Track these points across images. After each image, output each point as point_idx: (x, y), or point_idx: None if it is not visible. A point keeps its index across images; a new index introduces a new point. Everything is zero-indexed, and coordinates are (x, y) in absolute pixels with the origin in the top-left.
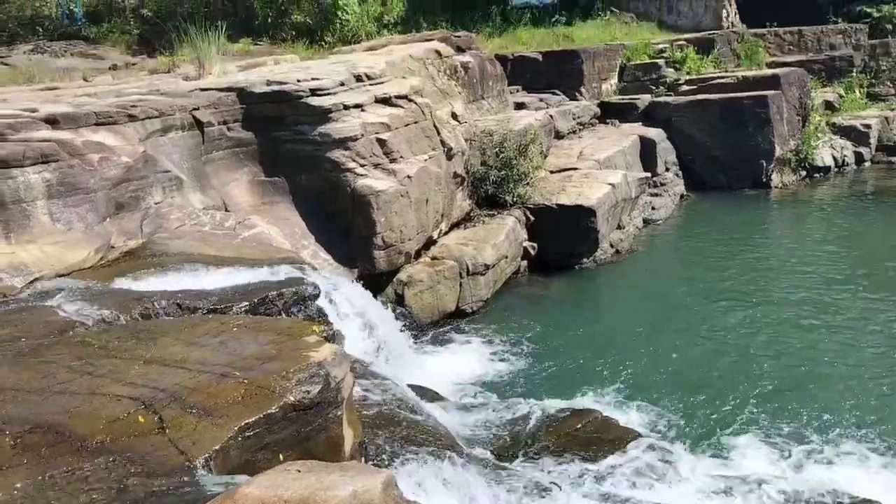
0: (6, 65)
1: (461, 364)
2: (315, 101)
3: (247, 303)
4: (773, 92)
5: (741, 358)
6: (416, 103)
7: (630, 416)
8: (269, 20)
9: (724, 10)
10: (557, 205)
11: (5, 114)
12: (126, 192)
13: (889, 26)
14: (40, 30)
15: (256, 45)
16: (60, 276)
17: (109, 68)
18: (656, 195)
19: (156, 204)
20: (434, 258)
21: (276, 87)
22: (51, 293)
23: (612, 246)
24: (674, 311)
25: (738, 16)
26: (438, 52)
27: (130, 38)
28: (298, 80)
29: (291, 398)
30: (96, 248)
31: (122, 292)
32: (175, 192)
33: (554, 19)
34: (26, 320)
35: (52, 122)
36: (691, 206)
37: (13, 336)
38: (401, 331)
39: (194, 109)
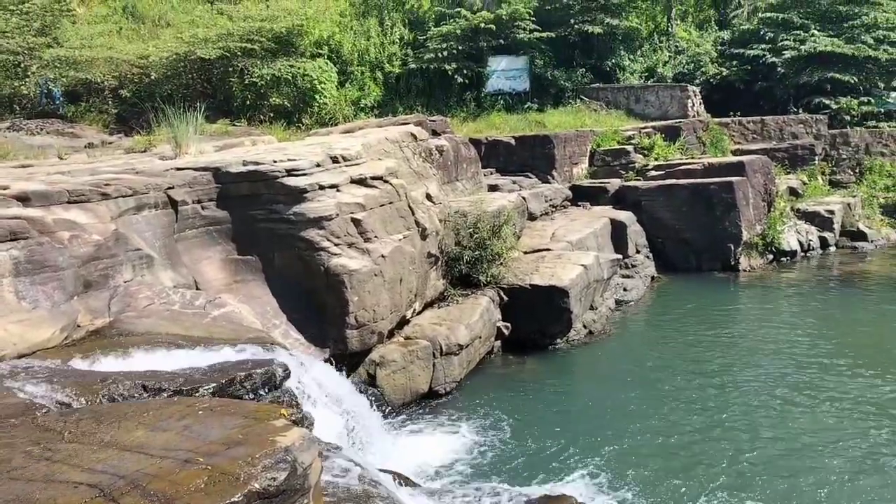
0: None
1: (433, 447)
2: (291, 181)
3: (214, 384)
4: (738, 178)
5: (714, 438)
6: (391, 184)
7: (603, 501)
8: (248, 102)
9: (690, 101)
10: (531, 285)
11: None
12: (95, 270)
13: (847, 117)
14: (17, 108)
15: (234, 125)
16: (23, 355)
17: (85, 147)
18: (628, 277)
19: (125, 282)
20: (407, 338)
21: (252, 167)
22: (12, 374)
23: (585, 327)
24: (647, 393)
25: (703, 106)
26: (414, 136)
27: (108, 118)
28: (275, 161)
29: (257, 485)
30: (62, 327)
31: (86, 373)
32: (145, 271)
33: (526, 106)
34: None
35: (24, 199)
36: (663, 288)
37: None
38: (372, 413)
39: (169, 188)
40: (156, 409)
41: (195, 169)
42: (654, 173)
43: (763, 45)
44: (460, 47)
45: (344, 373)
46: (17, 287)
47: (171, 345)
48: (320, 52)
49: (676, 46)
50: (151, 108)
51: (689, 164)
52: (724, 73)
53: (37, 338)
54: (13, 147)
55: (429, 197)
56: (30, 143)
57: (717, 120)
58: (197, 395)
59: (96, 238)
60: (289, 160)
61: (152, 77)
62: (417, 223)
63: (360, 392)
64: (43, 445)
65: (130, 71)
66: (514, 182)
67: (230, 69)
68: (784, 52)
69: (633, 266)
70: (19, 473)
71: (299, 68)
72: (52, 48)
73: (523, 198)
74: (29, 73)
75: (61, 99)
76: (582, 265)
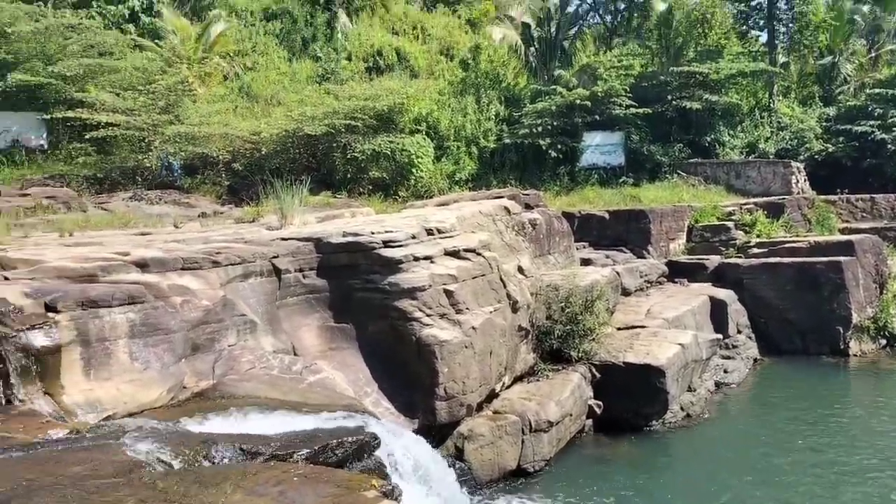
0: (106, 210)
1: None
2: (387, 252)
3: (307, 450)
4: (847, 258)
5: None
6: (483, 257)
7: None
8: (349, 175)
9: (794, 177)
10: (625, 363)
11: (100, 256)
12: (203, 333)
13: None
14: (139, 179)
15: (336, 197)
16: (132, 414)
17: (199, 216)
18: (728, 358)
19: (229, 346)
20: (496, 412)
21: (351, 238)
22: (121, 432)
23: (682, 409)
24: (749, 482)
25: (807, 182)
26: (507, 209)
27: (220, 189)
28: (372, 232)
29: None
30: (169, 388)
31: (189, 434)
32: (248, 335)
33: (621, 180)
34: (96, 459)
35: (142, 265)
36: (766, 371)
37: (83, 475)
38: (459, 488)
39: (274, 257)
40: (253, 474)
41: (298, 239)
42: (756, 251)
43: (871, 122)
44: (555, 123)
45: (432, 445)
46: (132, 348)
47: (269, 409)
48: (418, 128)
49: (779, 122)
50: (260, 180)
51: (794, 242)
52: (829, 150)
53: (146, 398)
54: (135, 215)
55: (521, 270)
56: (149, 211)
57: (822, 197)
58: (291, 460)
59: (206, 303)
60: (386, 232)
61: (263, 152)
62: (509, 296)
63: (448, 466)
64: None
65: (243, 146)
66: (608, 256)
67: (334, 144)
68: (894, 128)
69: (734, 347)
70: None
71: (398, 143)
72: (173, 125)
73: (617, 272)
74: (152, 148)
75: (179, 171)
76: (679, 344)
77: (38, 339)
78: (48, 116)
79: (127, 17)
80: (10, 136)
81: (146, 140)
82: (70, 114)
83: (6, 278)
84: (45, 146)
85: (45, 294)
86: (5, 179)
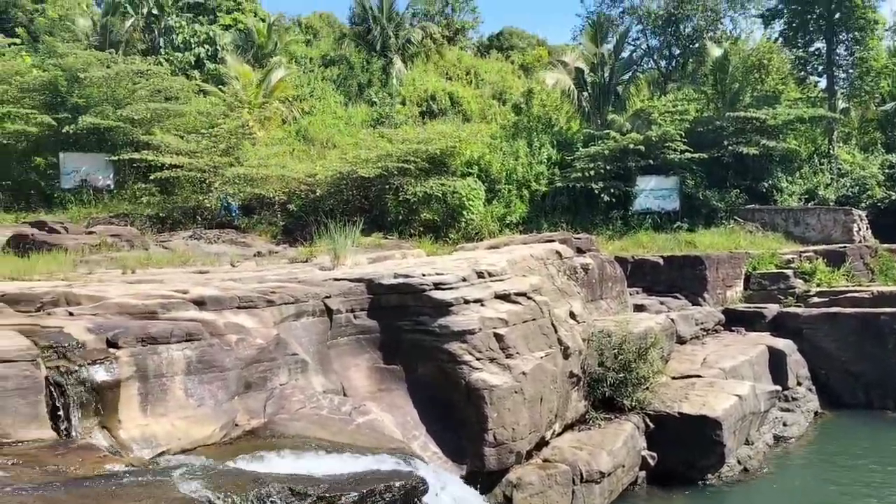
0: (166, 248)
1: None
2: (437, 294)
3: (356, 494)
4: None
5: None
6: (534, 301)
7: None
8: (401, 217)
9: (855, 225)
10: (680, 413)
11: (160, 294)
12: (256, 372)
13: None
14: (199, 219)
15: (387, 238)
16: (186, 450)
17: (255, 255)
18: (788, 410)
19: (281, 385)
20: (546, 460)
21: (402, 280)
22: (175, 468)
23: (739, 462)
24: None
25: (869, 231)
26: (558, 253)
27: (276, 229)
28: (423, 274)
29: None
30: (222, 426)
31: (240, 473)
32: (299, 375)
33: (676, 225)
34: (150, 495)
35: (200, 303)
36: (827, 425)
37: None
38: None
39: (326, 297)
40: None
41: (350, 280)
42: (816, 300)
43: None
44: (608, 167)
45: (480, 492)
46: (187, 385)
47: (318, 449)
48: (470, 171)
49: (839, 169)
50: (315, 220)
51: (857, 291)
52: (892, 197)
53: (199, 434)
54: (193, 254)
55: (572, 315)
56: (208, 250)
57: (886, 246)
58: (339, 502)
59: (260, 342)
60: (436, 274)
61: (317, 193)
62: (560, 341)
63: None
64: None
65: (299, 187)
66: (662, 303)
67: (387, 186)
68: None
69: (794, 399)
70: None
71: (450, 186)
72: (233, 167)
73: (672, 319)
74: (212, 188)
75: (237, 211)
76: (736, 395)
77: (99, 373)
78: (115, 158)
79: (193, 63)
80: (80, 177)
81: (207, 181)
82: (136, 155)
83: (71, 314)
84: (112, 186)
85: (107, 330)
86: (73, 218)
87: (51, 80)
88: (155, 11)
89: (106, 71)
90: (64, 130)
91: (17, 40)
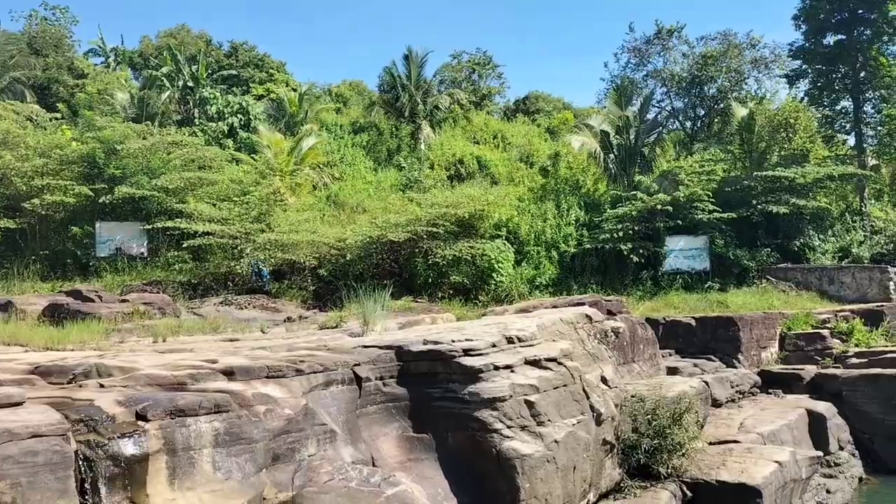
0: (197, 314)
1: None
2: (467, 360)
3: None
4: None
5: None
6: (565, 366)
7: None
8: (430, 280)
9: (892, 283)
10: (718, 481)
11: (189, 364)
12: (284, 443)
13: None
14: (230, 284)
15: (417, 301)
16: None
17: (284, 321)
18: (830, 476)
19: (309, 456)
20: None
21: (431, 346)
22: None
23: None
24: None
25: None
26: (588, 317)
27: (306, 294)
28: (453, 341)
29: None
30: (249, 500)
31: None
32: (328, 445)
33: (707, 285)
34: None
35: (229, 373)
36: (873, 491)
37: None
38: None
39: (356, 365)
40: None
41: (380, 347)
42: (855, 360)
43: None
44: (636, 227)
45: None
46: (215, 457)
47: None
48: (499, 233)
49: (872, 226)
50: (344, 285)
51: None
52: None
53: None
54: (224, 320)
55: (604, 380)
56: (238, 315)
57: None
58: None
59: (288, 412)
60: (466, 340)
61: (347, 257)
62: (592, 407)
63: None
64: None
65: (329, 252)
66: (696, 365)
67: (416, 250)
68: None
69: (836, 464)
70: None
71: (478, 249)
72: (264, 233)
73: (706, 382)
74: (244, 255)
75: (268, 277)
76: (776, 461)
77: (129, 447)
78: (149, 226)
79: (226, 133)
80: (114, 245)
81: (238, 247)
82: (170, 224)
83: (102, 385)
84: (146, 254)
85: (136, 402)
86: (108, 286)
87: (89, 152)
88: (190, 84)
89: (142, 142)
90: (100, 201)
91: (58, 115)
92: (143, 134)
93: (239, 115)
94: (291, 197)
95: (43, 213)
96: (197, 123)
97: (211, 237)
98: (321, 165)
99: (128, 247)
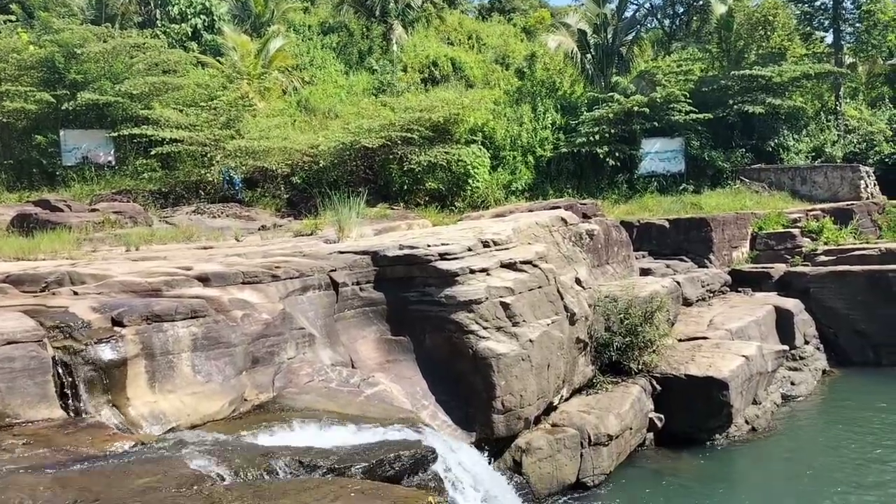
0: (170, 223)
1: None
2: (443, 264)
3: (365, 464)
4: None
5: None
6: (540, 269)
7: None
8: (406, 187)
9: (863, 182)
10: (686, 375)
11: (164, 271)
12: (263, 347)
13: None
14: (202, 193)
15: (392, 209)
16: (195, 426)
17: (259, 229)
18: (795, 370)
19: (288, 359)
20: (554, 425)
21: (407, 251)
22: (184, 444)
23: (747, 422)
24: (814, 500)
25: (877, 187)
26: (564, 220)
27: (280, 202)
28: (428, 245)
29: None
30: (230, 401)
31: (250, 447)
32: (307, 349)
33: (681, 188)
34: (160, 472)
35: (204, 280)
36: (836, 383)
37: (147, 488)
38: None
39: (332, 271)
40: (312, 489)
41: (356, 252)
42: (823, 259)
43: None
44: (612, 130)
45: (489, 458)
46: (194, 361)
47: (327, 422)
48: (474, 138)
49: (846, 125)
50: (319, 192)
51: (864, 249)
52: None
53: (208, 410)
54: (197, 229)
55: (578, 281)
56: (211, 225)
57: (893, 202)
58: (348, 474)
59: (266, 317)
60: (442, 244)
61: (321, 164)
62: (566, 308)
63: (506, 479)
64: None
65: (301, 159)
66: (668, 266)
67: (391, 156)
68: None
69: (802, 358)
70: None
71: (454, 154)
72: (234, 139)
73: (678, 282)
74: (214, 162)
75: (240, 185)
76: (743, 356)
77: (106, 352)
78: (115, 134)
79: (189, 35)
80: (80, 154)
81: (208, 155)
82: (136, 130)
83: (75, 293)
84: (113, 162)
85: (111, 309)
86: (76, 195)
87: (48, 56)
88: None
89: (103, 46)
90: (63, 107)
91: (12, 17)
92: (103, 37)
93: (202, 16)
94: (260, 102)
95: (4, 120)
96: (159, 25)
97: (179, 144)
98: (290, 69)
99: (94, 155)
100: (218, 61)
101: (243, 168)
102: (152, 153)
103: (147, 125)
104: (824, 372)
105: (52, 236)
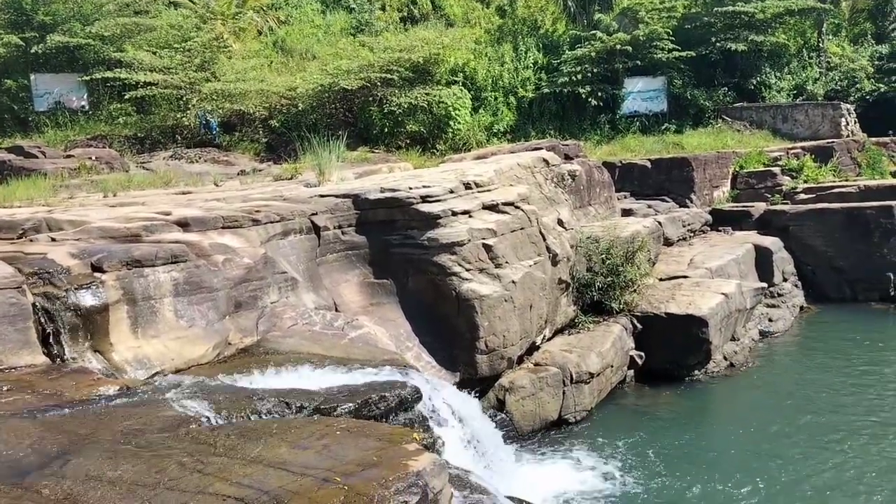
0: (147, 169)
1: (561, 477)
2: (425, 207)
3: (350, 404)
4: None
5: (862, 488)
6: (522, 210)
7: None
8: (386, 129)
9: (843, 119)
10: (666, 313)
11: (143, 216)
12: (245, 291)
13: None
14: (179, 138)
15: (373, 152)
16: (179, 370)
17: (238, 174)
18: (774, 306)
19: (272, 303)
20: (537, 364)
21: (388, 194)
22: (169, 387)
23: (725, 358)
24: (791, 433)
25: (857, 125)
26: (546, 161)
27: (259, 146)
28: (410, 188)
29: None
30: (214, 345)
31: (235, 389)
32: (290, 292)
33: (664, 127)
34: (146, 414)
35: (184, 224)
36: (812, 319)
37: (133, 430)
38: (500, 439)
39: (313, 214)
40: (298, 428)
41: (337, 196)
42: (803, 197)
43: None
44: (595, 70)
45: (474, 397)
46: (177, 306)
47: (312, 364)
48: (455, 79)
49: (828, 62)
50: (298, 136)
51: (843, 186)
52: (882, 90)
53: (192, 354)
54: (175, 174)
55: (560, 223)
56: (189, 170)
57: (873, 140)
58: (334, 414)
59: (247, 261)
60: (423, 187)
61: (299, 107)
62: (548, 249)
63: (490, 417)
64: (196, 458)
65: (279, 102)
66: (650, 206)
67: (370, 98)
68: None
69: (780, 295)
70: (174, 484)
71: (435, 96)
72: (210, 82)
73: (659, 222)
74: (190, 106)
75: (217, 129)
76: (722, 293)
77: (86, 298)
78: (88, 77)
79: None
80: (53, 98)
81: (184, 98)
82: (109, 74)
83: (53, 239)
84: (87, 107)
85: (91, 254)
86: (50, 141)
87: None
88: None
89: None
90: (32, 51)
91: None
92: None
93: None
94: (236, 43)
95: None
96: None
97: (154, 88)
98: (265, 8)
99: (67, 100)
100: (191, 1)
101: (220, 112)
102: (126, 97)
103: (120, 68)
104: (802, 308)
105: (27, 183)
